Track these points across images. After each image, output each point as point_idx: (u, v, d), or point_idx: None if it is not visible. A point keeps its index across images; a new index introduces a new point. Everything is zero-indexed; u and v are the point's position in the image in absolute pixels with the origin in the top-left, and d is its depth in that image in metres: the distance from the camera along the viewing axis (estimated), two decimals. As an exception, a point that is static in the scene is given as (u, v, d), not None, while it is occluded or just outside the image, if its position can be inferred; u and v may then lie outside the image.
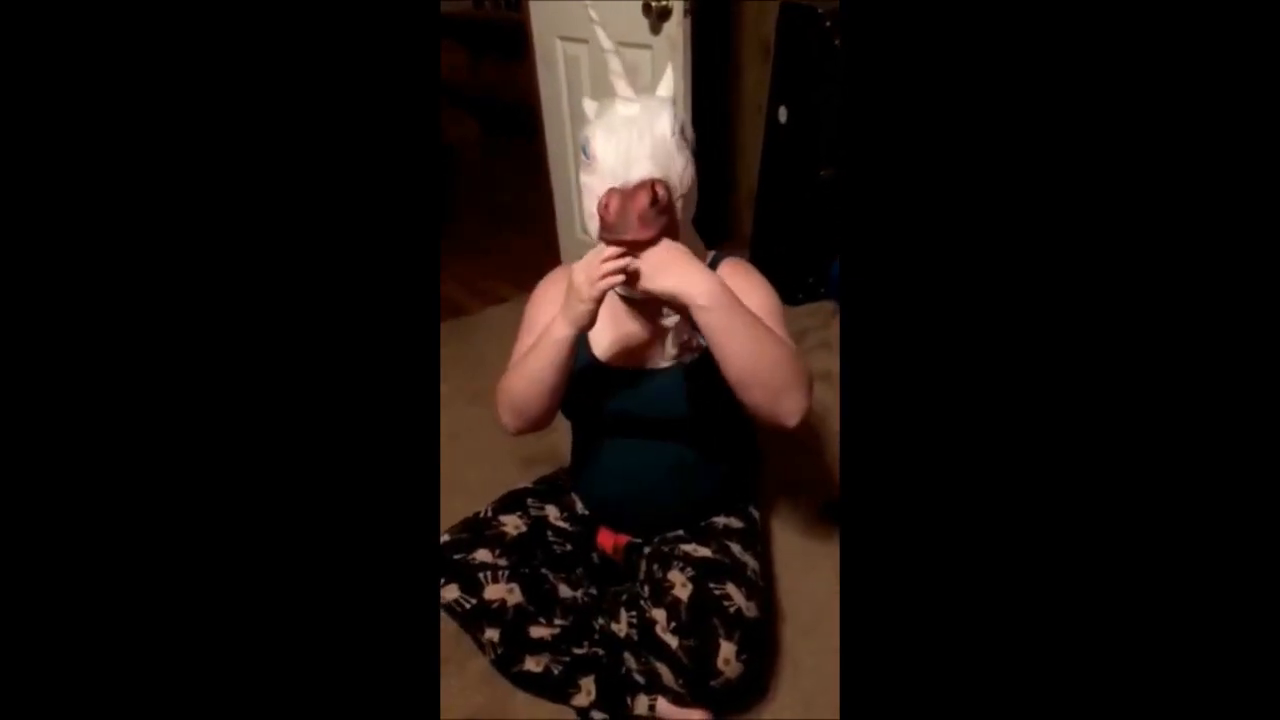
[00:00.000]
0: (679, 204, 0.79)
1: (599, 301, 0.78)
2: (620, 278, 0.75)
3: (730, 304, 0.75)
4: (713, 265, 0.93)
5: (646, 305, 0.90)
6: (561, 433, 1.04)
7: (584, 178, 0.82)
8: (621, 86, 0.80)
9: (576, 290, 0.77)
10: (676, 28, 1.62)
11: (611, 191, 0.74)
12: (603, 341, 0.92)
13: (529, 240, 2.59)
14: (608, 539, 1.05)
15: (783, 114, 1.91)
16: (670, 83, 0.87)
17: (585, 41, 1.87)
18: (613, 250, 0.75)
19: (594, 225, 0.80)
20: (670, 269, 0.74)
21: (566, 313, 0.80)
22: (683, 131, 0.81)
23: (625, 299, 0.90)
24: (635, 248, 0.74)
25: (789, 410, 0.79)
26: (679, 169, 0.79)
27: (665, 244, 0.75)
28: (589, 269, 0.76)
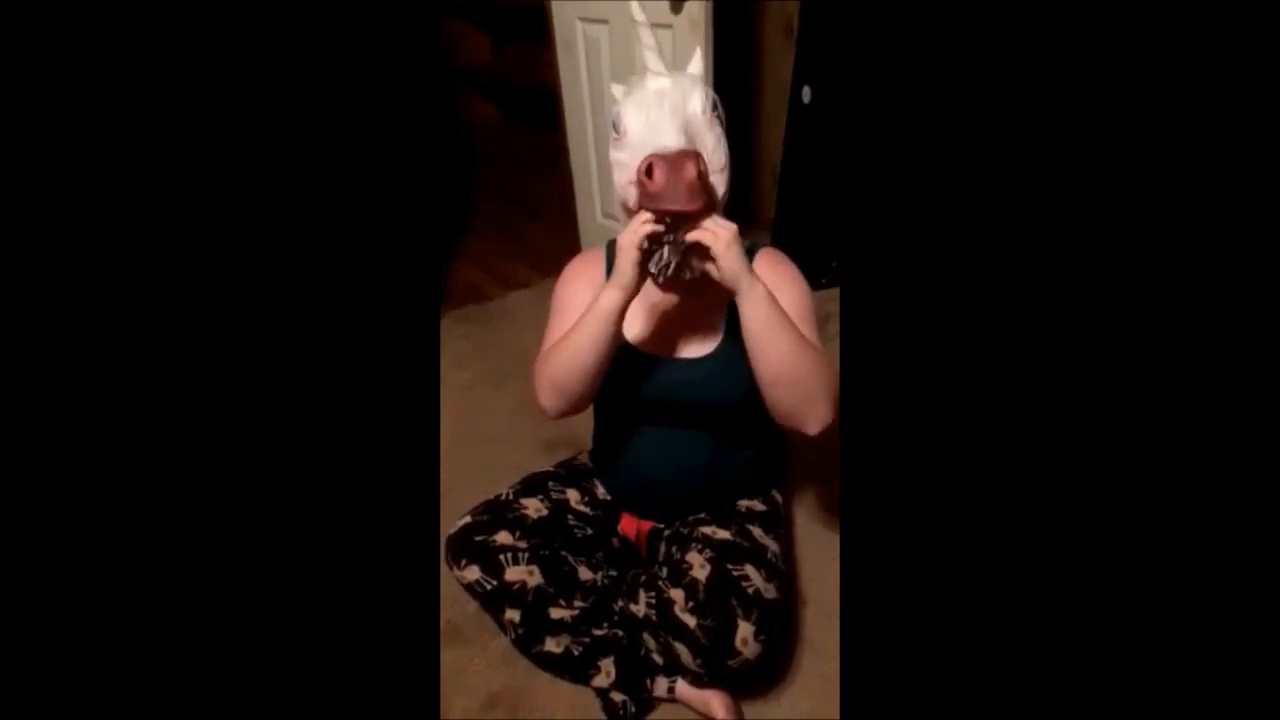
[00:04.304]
0: (714, 181, 0.77)
1: (643, 254, 0.76)
2: (657, 227, 0.75)
3: (773, 302, 0.78)
4: (749, 252, 0.92)
5: (681, 291, 0.90)
6: (583, 418, 1.04)
7: (614, 154, 0.80)
8: (652, 59, 0.78)
9: (619, 246, 0.77)
10: (698, 7, 1.60)
11: (654, 158, 0.71)
12: (635, 326, 0.91)
13: (550, 225, 2.59)
14: (630, 525, 1.05)
15: (806, 94, 1.88)
16: (699, 62, 0.85)
17: (605, 22, 1.85)
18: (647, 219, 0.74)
19: (630, 193, 0.77)
20: (738, 250, 0.75)
21: (615, 278, 0.79)
22: (715, 109, 0.79)
23: (660, 285, 0.89)
24: (679, 220, 0.73)
25: (813, 417, 0.82)
26: (711, 146, 0.78)
27: (734, 226, 0.75)
28: (630, 230, 0.76)
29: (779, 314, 0.78)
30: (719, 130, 0.79)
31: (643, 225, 0.75)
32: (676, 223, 0.74)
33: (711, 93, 0.80)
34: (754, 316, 0.78)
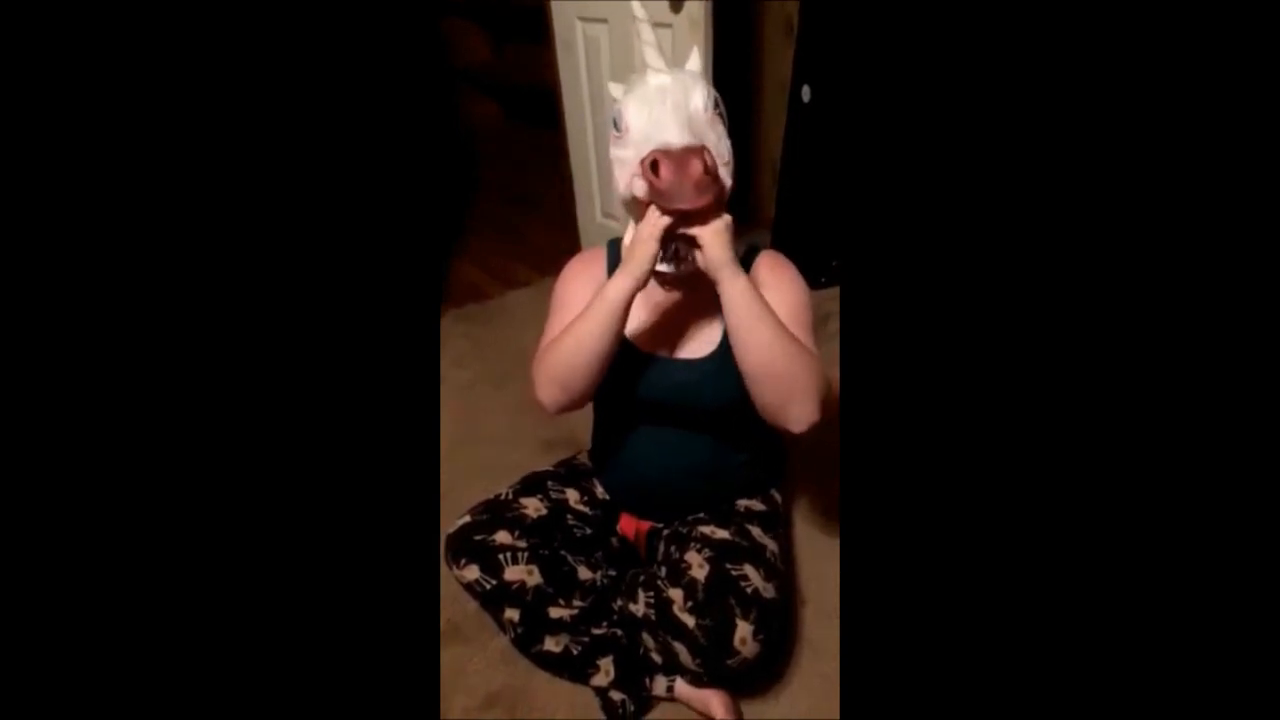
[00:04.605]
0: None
1: (660, 243, 0.76)
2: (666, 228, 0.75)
3: (754, 295, 0.78)
4: (750, 254, 0.92)
5: (682, 291, 0.90)
6: (582, 417, 1.04)
7: (615, 151, 0.80)
8: (652, 56, 0.78)
9: (639, 236, 0.77)
10: (698, 6, 1.60)
11: (659, 154, 0.70)
12: (634, 324, 0.91)
13: (550, 225, 2.59)
14: (630, 524, 1.05)
15: (806, 93, 1.88)
16: (698, 59, 0.85)
17: (605, 21, 1.85)
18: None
19: (639, 186, 0.76)
20: (725, 240, 0.75)
21: (626, 267, 0.78)
22: (717, 106, 0.79)
23: (661, 283, 0.89)
24: (687, 218, 0.73)
25: (797, 416, 0.81)
26: (714, 143, 0.77)
27: (729, 218, 0.75)
28: (648, 222, 0.76)
29: (760, 307, 0.78)
30: (721, 128, 0.79)
31: (662, 219, 0.74)
32: (684, 218, 0.74)
33: (713, 90, 0.79)
34: (733, 307, 0.78)
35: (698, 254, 0.77)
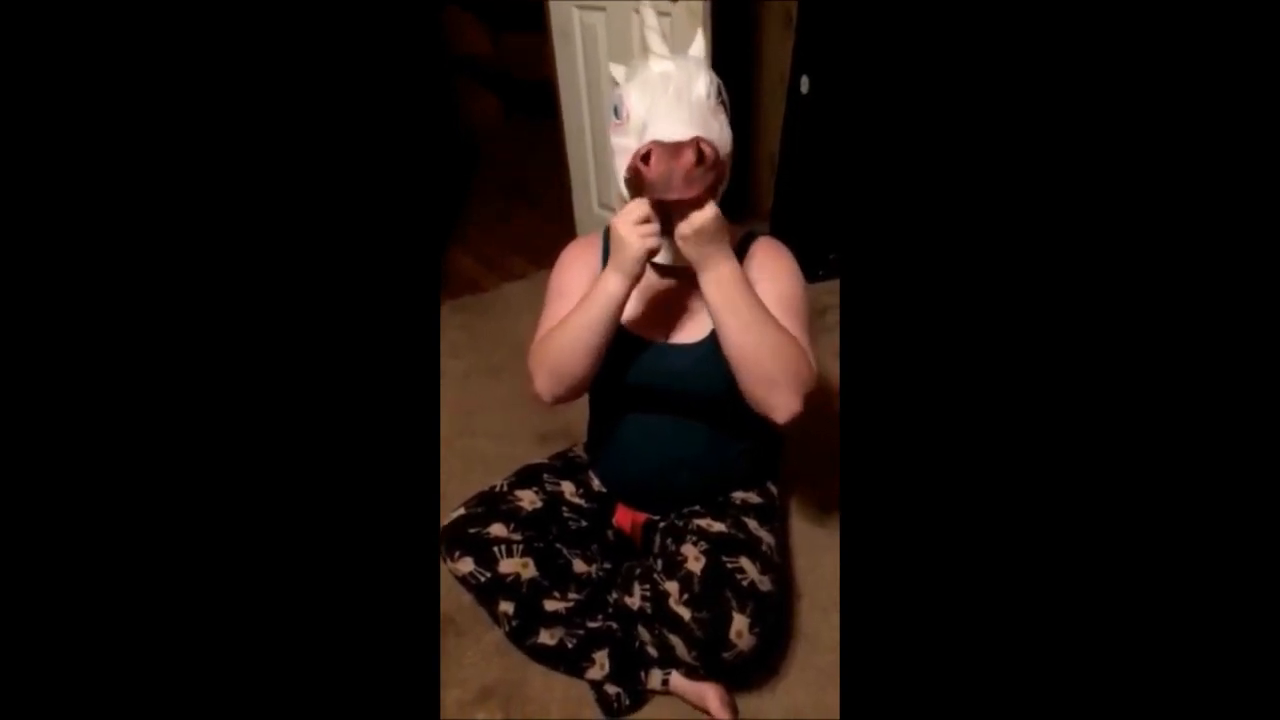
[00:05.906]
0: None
1: (650, 253, 0.77)
2: (657, 240, 0.75)
3: (735, 284, 0.77)
4: (746, 242, 0.92)
5: (677, 276, 0.89)
6: (578, 410, 1.03)
7: (616, 139, 0.79)
8: (655, 41, 0.77)
9: (624, 242, 0.76)
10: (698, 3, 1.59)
11: (654, 145, 0.70)
12: (629, 310, 0.89)
13: (546, 217, 2.58)
14: (625, 517, 1.05)
15: (805, 84, 1.87)
16: (701, 45, 0.84)
17: (602, 10, 1.83)
18: (643, 206, 0.74)
19: (627, 181, 0.77)
20: (697, 238, 0.74)
21: (617, 266, 0.78)
22: (719, 94, 0.78)
23: (655, 267, 0.89)
24: (678, 207, 0.73)
25: (779, 405, 0.80)
26: (716, 132, 0.76)
27: (715, 211, 0.74)
28: (628, 222, 0.76)
29: (739, 294, 0.77)
30: (723, 116, 0.78)
31: (641, 227, 0.75)
32: (677, 207, 0.74)
33: (715, 77, 0.78)
34: (710, 295, 0.77)
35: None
